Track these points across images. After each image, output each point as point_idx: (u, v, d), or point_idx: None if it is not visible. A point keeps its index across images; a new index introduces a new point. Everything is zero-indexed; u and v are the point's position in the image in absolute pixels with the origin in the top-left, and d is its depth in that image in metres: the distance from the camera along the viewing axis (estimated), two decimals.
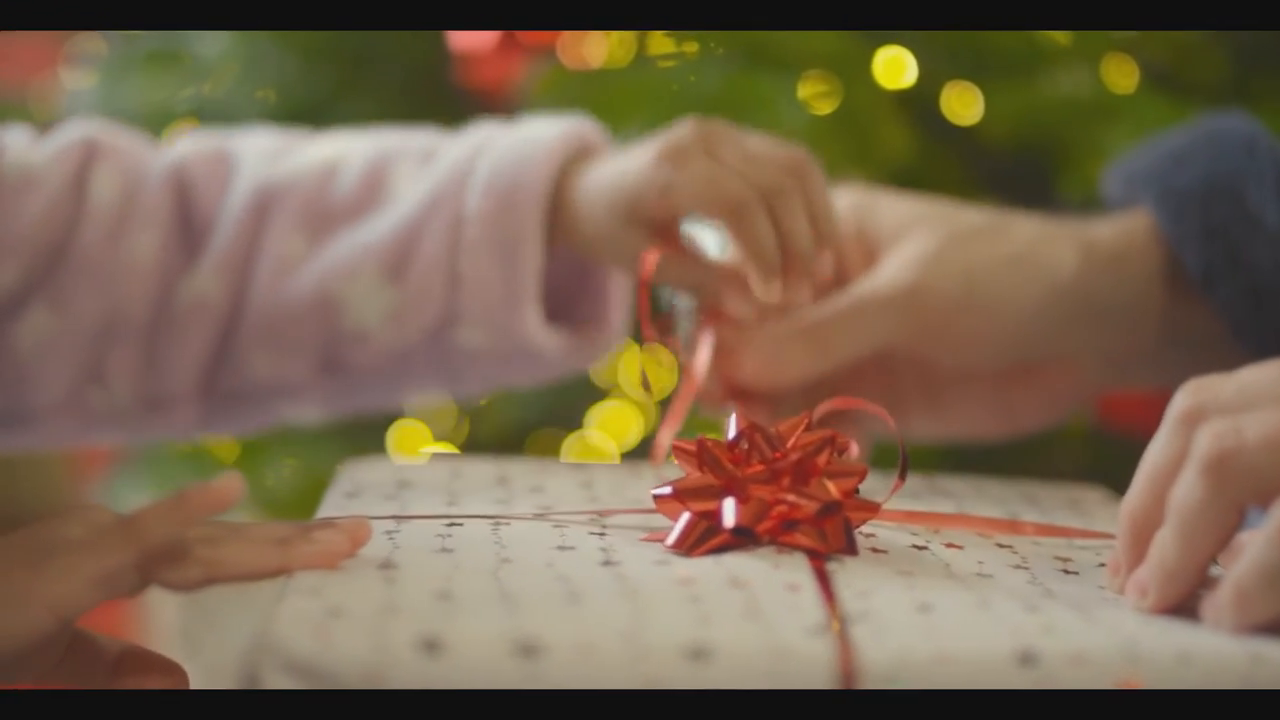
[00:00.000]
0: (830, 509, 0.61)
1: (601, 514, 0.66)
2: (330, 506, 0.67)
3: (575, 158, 0.79)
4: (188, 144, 0.84)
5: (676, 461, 0.65)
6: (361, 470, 0.74)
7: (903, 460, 0.65)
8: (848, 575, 0.59)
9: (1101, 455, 1.08)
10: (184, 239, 0.82)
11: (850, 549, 0.61)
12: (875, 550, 0.63)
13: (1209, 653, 0.53)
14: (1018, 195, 0.83)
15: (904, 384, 0.81)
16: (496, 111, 0.88)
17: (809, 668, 0.51)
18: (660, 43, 1.11)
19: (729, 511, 0.61)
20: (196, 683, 0.62)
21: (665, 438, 0.74)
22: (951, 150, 1.07)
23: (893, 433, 0.68)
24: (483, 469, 0.74)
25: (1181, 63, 1.08)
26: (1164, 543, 0.57)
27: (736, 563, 0.59)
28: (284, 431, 1.22)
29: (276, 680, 0.51)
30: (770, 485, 0.62)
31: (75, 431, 0.83)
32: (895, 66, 1.07)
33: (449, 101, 0.83)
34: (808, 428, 0.64)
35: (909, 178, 0.86)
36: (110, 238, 0.81)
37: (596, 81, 1.07)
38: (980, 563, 0.62)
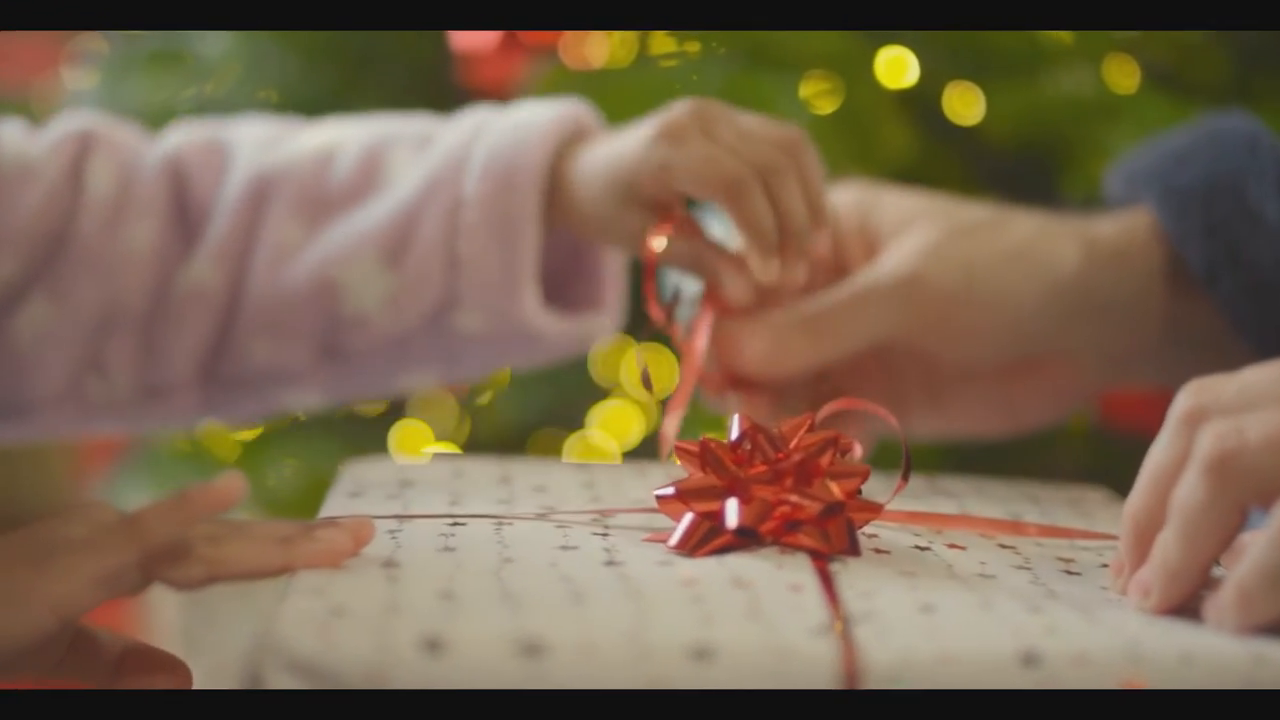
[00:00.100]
0: (833, 510, 0.61)
1: (604, 514, 0.66)
2: (333, 506, 0.67)
3: (571, 139, 0.79)
4: (182, 134, 0.84)
5: (679, 462, 0.65)
6: (364, 470, 0.74)
7: (905, 461, 0.65)
8: (850, 576, 0.59)
9: (1103, 455, 1.08)
10: (181, 228, 0.82)
11: (853, 550, 0.61)
12: (878, 551, 0.63)
13: (1211, 653, 0.54)
14: (1019, 195, 0.83)
15: (906, 381, 0.81)
16: None
17: (812, 668, 0.51)
18: (662, 42, 1.11)
19: (732, 512, 0.61)
20: (198, 682, 0.62)
21: (670, 426, 0.74)
22: (953, 150, 1.07)
23: (896, 432, 0.68)
24: (485, 468, 0.74)
25: (1183, 63, 1.08)
26: (1166, 543, 0.57)
27: (739, 563, 0.59)
28: (285, 431, 1.22)
29: (279, 680, 0.51)
30: (773, 486, 0.62)
31: (75, 422, 0.83)
32: (897, 66, 1.07)
33: (451, 101, 0.84)
34: (811, 428, 0.64)
35: (911, 177, 0.86)
36: (108, 228, 0.81)
37: (598, 81, 1.07)
38: (983, 563, 0.62)
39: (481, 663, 0.51)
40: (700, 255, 0.76)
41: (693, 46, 1.08)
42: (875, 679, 0.51)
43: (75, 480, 1.85)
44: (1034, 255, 0.77)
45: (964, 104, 1.07)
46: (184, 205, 0.82)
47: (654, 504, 0.64)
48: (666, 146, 0.74)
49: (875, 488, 0.64)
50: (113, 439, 1.45)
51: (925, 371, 0.81)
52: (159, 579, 0.58)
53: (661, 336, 0.80)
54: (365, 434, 1.20)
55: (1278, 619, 0.55)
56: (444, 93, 0.87)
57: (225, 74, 1.21)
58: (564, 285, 0.83)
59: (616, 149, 0.76)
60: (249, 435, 1.23)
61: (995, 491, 0.75)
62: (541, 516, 0.65)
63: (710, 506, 0.62)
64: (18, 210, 0.80)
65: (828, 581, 0.58)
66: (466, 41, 1.18)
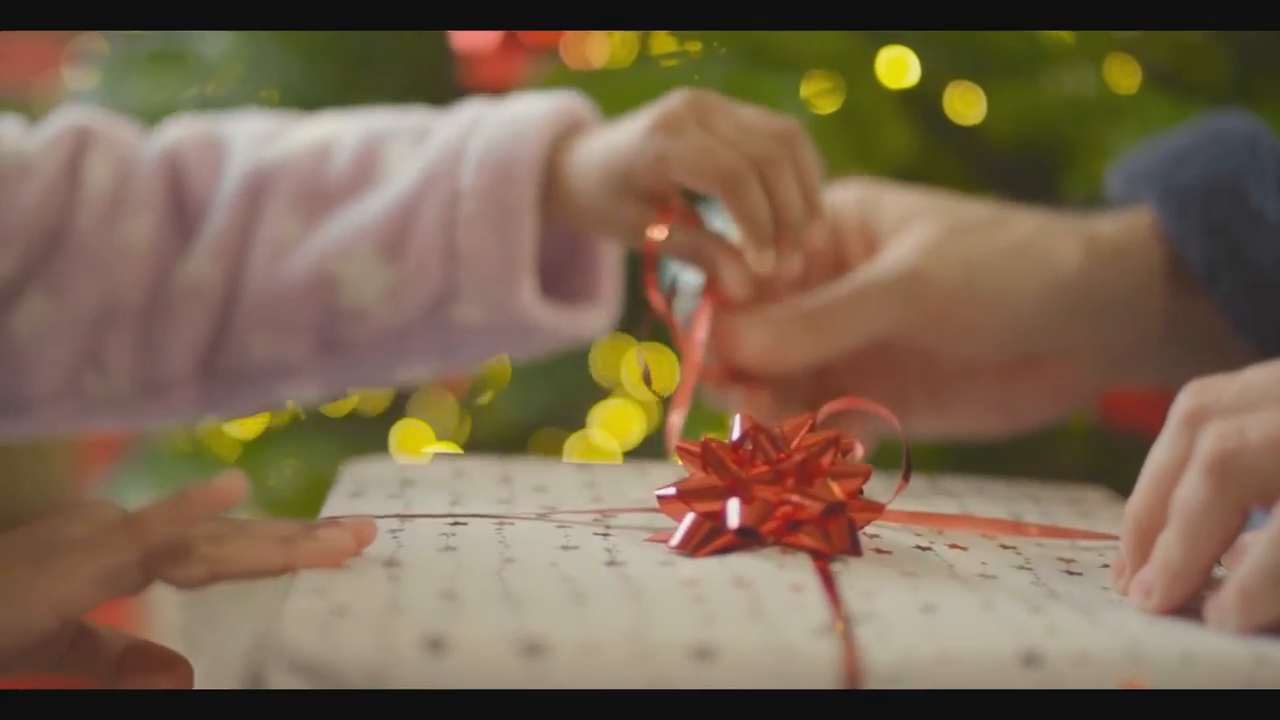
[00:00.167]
0: (834, 510, 0.61)
1: (605, 513, 0.66)
2: (334, 505, 0.67)
3: (567, 132, 0.79)
4: (178, 129, 0.84)
5: (681, 462, 0.65)
6: (365, 469, 0.74)
7: (907, 461, 0.65)
8: (852, 576, 0.59)
9: (1104, 455, 1.08)
10: (178, 223, 0.82)
11: (854, 550, 0.61)
12: (879, 551, 0.63)
13: (1213, 654, 0.54)
14: (1020, 195, 0.83)
15: (907, 379, 0.81)
16: None
17: (813, 668, 0.51)
18: (663, 42, 1.11)
19: (733, 512, 0.61)
20: (199, 682, 0.62)
21: (676, 419, 0.74)
22: (954, 150, 1.07)
23: (896, 432, 0.68)
24: (486, 468, 0.74)
25: (1184, 63, 1.08)
26: (1168, 543, 0.58)
27: (741, 563, 0.59)
28: (286, 431, 1.22)
29: (281, 680, 0.51)
30: (774, 486, 0.62)
31: (73, 418, 0.83)
32: (898, 66, 1.07)
33: (451, 101, 0.84)
34: (812, 428, 0.64)
35: (912, 177, 0.86)
36: (105, 223, 0.81)
37: (599, 81, 1.07)
38: (984, 563, 0.62)
39: (483, 662, 0.51)
40: (698, 246, 0.76)
41: (694, 46, 1.08)
42: (876, 679, 0.51)
43: (76, 479, 1.86)
44: (1034, 253, 0.77)
45: (965, 104, 1.07)
46: (181, 200, 0.83)
47: (655, 504, 0.64)
48: (663, 137, 0.74)
49: (876, 488, 0.64)
50: (113, 437, 1.46)
51: (925, 370, 0.81)
52: (160, 578, 0.58)
53: (662, 334, 0.80)
54: (366, 434, 1.20)
55: (1279, 619, 0.55)
56: (444, 93, 0.87)
57: (226, 74, 1.21)
58: (561, 277, 0.83)
59: (613, 140, 0.76)
60: (250, 435, 1.23)
61: (996, 491, 0.75)
62: (543, 516, 0.65)
63: (712, 506, 0.62)
64: (15, 206, 0.80)
65: (829, 582, 0.58)
66: (467, 41, 1.18)
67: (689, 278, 0.80)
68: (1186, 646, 0.54)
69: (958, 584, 0.59)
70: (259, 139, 0.83)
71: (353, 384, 0.85)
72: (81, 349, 0.82)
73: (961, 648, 0.53)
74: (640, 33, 1.11)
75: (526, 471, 0.73)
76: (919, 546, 0.64)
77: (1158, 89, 1.06)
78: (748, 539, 0.61)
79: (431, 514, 0.65)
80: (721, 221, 0.77)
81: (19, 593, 0.56)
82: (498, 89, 1.09)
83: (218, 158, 0.83)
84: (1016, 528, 0.67)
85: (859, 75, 1.05)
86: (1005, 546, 0.65)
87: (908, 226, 0.78)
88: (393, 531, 0.62)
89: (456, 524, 0.64)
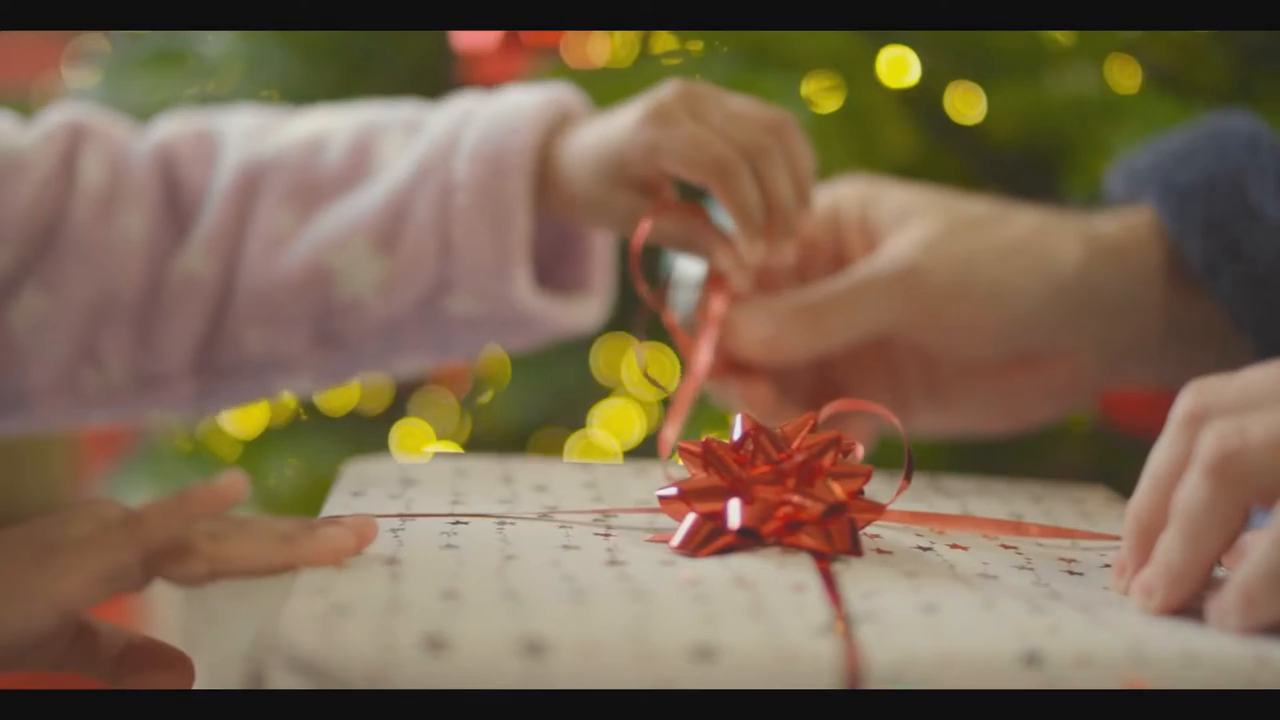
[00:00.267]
0: (835, 510, 0.61)
1: (606, 513, 0.66)
2: (335, 505, 0.67)
3: (559, 123, 0.79)
4: (171, 124, 0.85)
5: (682, 462, 0.65)
6: (366, 468, 0.74)
7: (908, 461, 0.65)
8: (853, 576, 0.59)
9: (1105, 455, 1.08)
10: (172, 218, 0.83)
11: (855, 550, 0.61)
12: (880, 551, 0.63)
13: (1214, 654, 0.54)
14: (1021, 195, 0.84)
15: (907, 377, 0.81)
16: None
17: (814, 668, 0.51)
18: (664, 41, 1.11)
19: (734, 512, 0.61)
20: (199, 681, 0.62)
21: (670, 434, 0.74)
22: (955, 150, 1.07)
23: (898, 431, 0.68)
24: (487, 467, 0.74)
25: (1185, 63, 1.08)
26: (1169, 544, 0.57)
27: (742, 563, 0.59)
28: (287, 430, 1.22)
29: (282, 679, 0.51)
30: (775, 486, 0.62)
31: (70, 412, 0.83)
32: (899, 66, 1.07)
33: None
34: (813, 429, 0.64)
35: (912, 177, 0.86)
36: (100, 218, 0.81)
37: (600, 80, 1.07)
38: (985, 564, 0.62)
39: (483, 662, 0.51)
40: (691, 236, 0.76)
41: (695, 45, 1.08)
42: (877, 679, 0.51)
43: (77, 478, 1.86)
44: (1033, 250, 0.77)
45: (966, 104, 1.07)
46: (175, 195, 0.83)
47: (656, 504, 0.64)
48: (654, 127, 0.74)
49: (877, 488, 0.64)
50: (114, 436, 1.46)
51: (926, 367, 0.81)
52: (161, 576, 0.58)
53: (662, 334, 0.80)
54: (366, 433, 1.20)
55: None
56: (444, 93, 0.87)
57: (227, 74, 1.21)
58: (554, 268, 0.83)
59: (604, 131, 0.76)
60: (250, 434, 1.23)
61: (997, 491, 0.75)
62: (544, 516, 0.65)
63: (713, 507, 0.62)
64: (10, 202, 0.81)
65: (830, 581, 0.58)
66: (467, 41, 1.18)
67: (689, 269, 0.80)
68: (1188, 647, 0.54)
69: (959, 584, 0.59)
70: (252, 133, 0.83)
71: (348, 376, 0.85)
72: (77, 343, 0.82)
73: (963, 648, 0.53)
74: (641, 32, 1.11)
75: (527, 471, 0.73)
76: (920, 547, 0.64)
77: (1158, 89, 1.06)
78: (748, 539, 0.61)
79: (432, 513, 0.65)
80: (721, 215, 0.77)
81: (20, 590, 0.56)
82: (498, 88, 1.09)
83: (211, 152, 0.83)
84: (1017, 528, 0.67)
85: (860, 75, 1.05)
86: (1006, 546, 0.65)
87: (907, 222, 0.78)
88: (394, 530, 0.62)
89: (457, 523, 0.64)
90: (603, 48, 1.13)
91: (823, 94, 1.04)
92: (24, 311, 0.81)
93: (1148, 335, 0.78)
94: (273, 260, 0.81)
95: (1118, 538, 0.62)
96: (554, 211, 0.80)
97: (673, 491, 0.62)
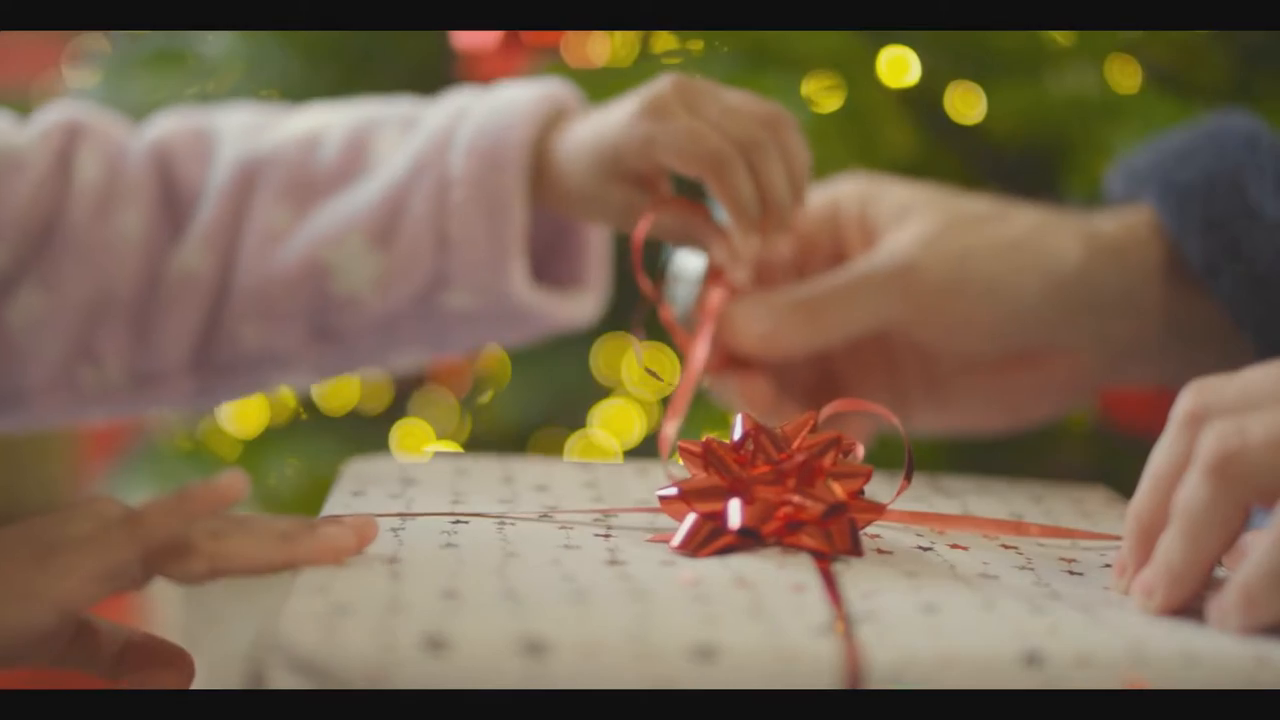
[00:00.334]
0: (835, 510, 0.61)
1: (607, 513, 0.66)
2: (336, 504, 0.67)
3: (555, 117, 0.79)
4: (167, 122, 0.85)
5: (682, 462, 0.65)
6: (366, 468, 0.74)
7: (908, 461, 0.65)
8: (853, 576, 0.59)
9: (1105, 455, 1.08)
10: (169, 215, 0.83)
11: (855, 550, 0.61)
12: (880, 551, 0.63)
13: (1214, 654, 0.53)
14: (1021, 194, 0.84)
15: (906, 373, 0.81)
16: None
17: (814, 668, 0.51)
18: (664, 41, 1.11)
19: (734, 512, 0.61)
20: (199, 681, 0.62)
21: (670, 430, 0.74)
22: (955, 149, 1.07)
23: (898, 431, 0.68)
24: (487, 467, 0.74)
25: (1185, 63, 1.08)
26: (1170, 544, 0.57)
27: (742, 563, 0.59)
28: (287, 430, 1.22)
29: (282, 678, 0.51)
30: (776, 486, 0.62)
31: (68, 410, 0.84)
32: (899, 66, 1.07)
33: None
34: (814, 429, 0.64)
35: (913, 176, 0.86)
36: (97, 216, 0.81)
37: (600, 80, 1.07)
38: (985, 564, 0.62)
39: (484, 662, 0.51)
40: (688, 229, 0.77)
41: (695, 45, 1.08)
42: (878, 679, 0.51)
43: (77, 477, 1.86)
44: (1032, 248, 0.77)
45: (966, 104, 1.07)
46: (172, 192, 0.83)
47: (656, 504, 0.64)
48: (650, 121, 0.74)
49: (877, 488, 0.64)
50: (114, 435, 1.46)
51: (925, 363, 0.81)
52: (161, 574, 0.58)
53: (662, 334, 0.80)
54: (366, 432, 1.20)
55: None
56: (445, 93, 0.87)
57: (227, 74, 1.21)
58: (550, 263, 0.83)
59: (600, 125, 0.76)
60: (250, 434, 1.23)
61: (997, 491, 0.75)
62: (544, 516, 0.65)
63: (713, 507, 0.62)
64: (7, 200, 0.81)
65: (830, 582, 0.58)
66: (467, 41, 1.18)
67: (689, 263, 0.80)
68: (1188, 647, 0.54)
69: (959, 584, 0.59)
70: (248, 130, 0.83)
71: (345, 371, 0.86)
72: (75, 341, 0.82)
73: (963, 648, 0.53)
74: (641, 32, 1.11)
75: (528, 470, 0.73)
76: (920, 547, 0.64)
77: (1158, 89, 1.06)
78: (749, 539, 0.61)
79: (433, 513, 0.65)
80: (719, 210, 0.77)
81: (21, 589, 0.56)
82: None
83: (207, 149, 0.83)
84: (1018, 528, 0.67)
85: (860, 75, 1.05)
86: (1006, 546, 0.65)
87: (906, 218, 0.78)
88: (394, 530, 0.62)
89: (458, 523, 0.64)
90: (603, 47, 1.13)
91: (823, 94, 1.04)
92: (21, 310, 0.81)
93: (1147, 334, 0.78)
94: (269, 256, 0.81)
95: (1118, 538, 0.62)
96: (550, 206, 0.80)
97: (673, 491, 0.62)
